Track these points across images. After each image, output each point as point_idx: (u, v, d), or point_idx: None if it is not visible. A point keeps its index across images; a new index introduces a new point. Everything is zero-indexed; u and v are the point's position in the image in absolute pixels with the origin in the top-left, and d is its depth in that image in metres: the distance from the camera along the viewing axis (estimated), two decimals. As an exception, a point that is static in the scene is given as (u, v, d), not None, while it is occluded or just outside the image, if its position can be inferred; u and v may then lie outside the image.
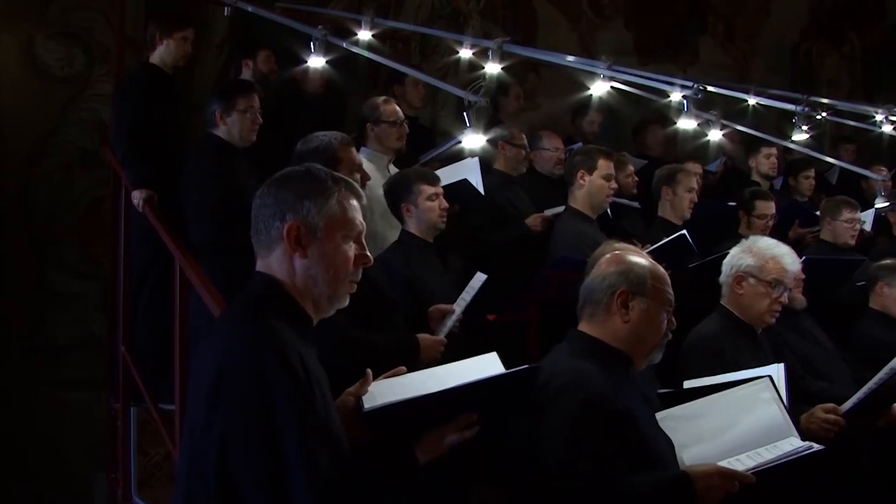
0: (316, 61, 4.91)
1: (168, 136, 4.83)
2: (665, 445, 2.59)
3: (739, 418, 2.74)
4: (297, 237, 2.01)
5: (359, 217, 2.10)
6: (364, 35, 5.10)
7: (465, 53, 5.24)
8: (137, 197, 4.59)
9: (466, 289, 3.77)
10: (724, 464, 2.55)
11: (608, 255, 2.75)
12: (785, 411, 2.83)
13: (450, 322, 3.70)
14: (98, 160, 5.71)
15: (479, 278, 3.77)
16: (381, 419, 2.07)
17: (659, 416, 2.70)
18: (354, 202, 2.10)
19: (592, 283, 2.66)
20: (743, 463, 2.59)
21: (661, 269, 2.68)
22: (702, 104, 5.30)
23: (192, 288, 3.91)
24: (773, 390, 2.86)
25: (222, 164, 4.32)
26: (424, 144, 5.60)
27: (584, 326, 2.66)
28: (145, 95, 4.79)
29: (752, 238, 3.85)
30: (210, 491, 1.88)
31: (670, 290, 2.65)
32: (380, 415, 2.06)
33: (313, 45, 4.85)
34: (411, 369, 2.27)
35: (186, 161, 4.48)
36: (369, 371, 2.20)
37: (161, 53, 4.96)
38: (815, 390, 3.77)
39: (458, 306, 3.73)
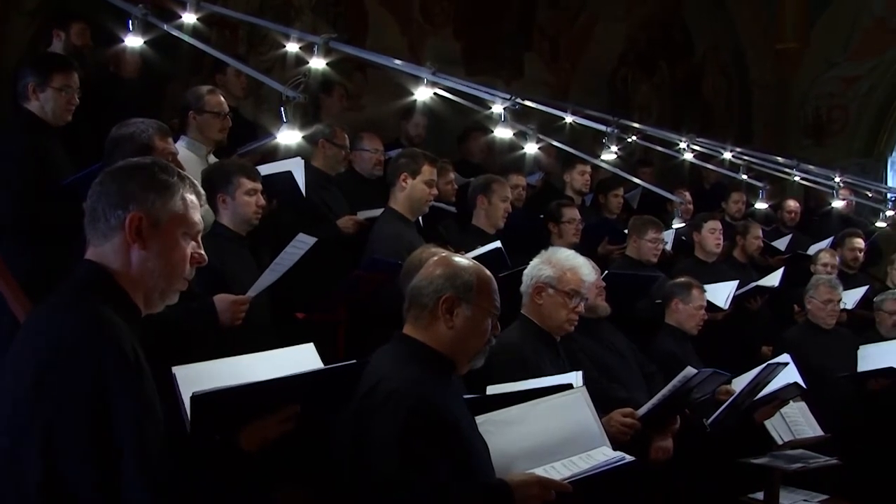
0: (133, 41, 4.67)
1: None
2: (483, 450, 2.63)
3: (555, 426, 2.82)
4: (139, 228, 2.00)
5: (199, 216, 2.12)
6: (189, 18, 4.89)
7: (292, 48, 5.11)
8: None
9: (293, 244, 3.71)
10: (539, 471, 2.62)
11: (436, 258, 2.75)
12: (599, 421, 2.94)
13: (263, 283, 3.64)
14: None
15: (308, 241, 3.72)
16: (207, 404, 2.03)
17: (478, 419, 2.72)
18: (196, 200, 2.12)
19: (419, 284, 2.65)
20: (558, 471, 2.67)
21: (489, 275, 2.69)
22: (522, 118, 5.46)
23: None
24: (589, 400, 2.96)
25: (34, 141, 4.01)
26: (245, 136, 5.46)
27: (409, 329, 2.65)
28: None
29: (551, 249, 3.94)
30: (25, 484, 1.81)
31: (496, 296, 2.68)
32: (207, 400, 2.02)
33: (132, 23, 4.62)
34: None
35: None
36: None
37: (-37, 15, 4.60)
38: (620, 396, 3.92)
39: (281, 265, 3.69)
